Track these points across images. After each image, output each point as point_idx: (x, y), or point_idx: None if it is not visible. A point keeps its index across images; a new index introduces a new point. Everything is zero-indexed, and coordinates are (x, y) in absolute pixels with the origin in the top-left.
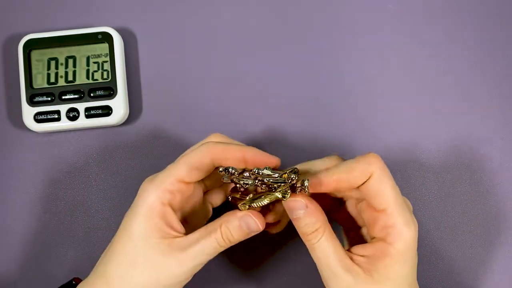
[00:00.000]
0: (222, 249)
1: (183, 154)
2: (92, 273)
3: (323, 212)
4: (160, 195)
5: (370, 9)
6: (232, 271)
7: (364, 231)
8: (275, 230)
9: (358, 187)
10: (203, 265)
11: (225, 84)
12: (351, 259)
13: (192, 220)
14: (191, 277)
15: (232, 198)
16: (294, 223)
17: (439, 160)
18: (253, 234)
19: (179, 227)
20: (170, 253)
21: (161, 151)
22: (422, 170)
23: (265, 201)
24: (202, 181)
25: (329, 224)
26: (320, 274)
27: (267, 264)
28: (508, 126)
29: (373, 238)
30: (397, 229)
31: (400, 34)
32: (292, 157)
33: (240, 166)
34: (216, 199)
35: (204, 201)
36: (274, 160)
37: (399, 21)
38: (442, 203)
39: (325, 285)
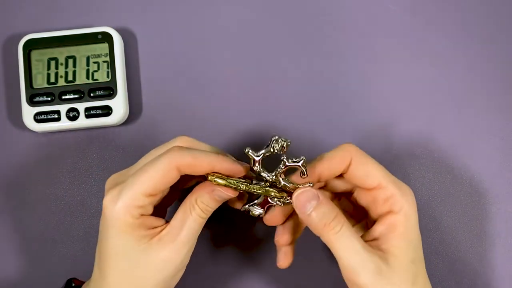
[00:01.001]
0: (206, 220)
1: (147, 161)
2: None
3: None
4: (131, 212)
5: (370, 9)
6: (231, 268)
7: (361, 226)
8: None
9: (343, 175)
10: (194, 244)
11: (225, 84)
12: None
13: (163, 202)
14: (187, 262)
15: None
16: (309, 218)
17: (439, 160)
18: (227, 199)
19: (159, 220)
20: (164, 248)
21: None
22: (422, 170)
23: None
24: None
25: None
26: (344, 266)
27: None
28: (508, 126)
29: (377, 219)
30: (399, 195)
31: (400, 34)
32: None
33: (204, 176)
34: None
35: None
36: (242, 169)
37: (399, 21)
38: (442, 203)
39: (350, 277)
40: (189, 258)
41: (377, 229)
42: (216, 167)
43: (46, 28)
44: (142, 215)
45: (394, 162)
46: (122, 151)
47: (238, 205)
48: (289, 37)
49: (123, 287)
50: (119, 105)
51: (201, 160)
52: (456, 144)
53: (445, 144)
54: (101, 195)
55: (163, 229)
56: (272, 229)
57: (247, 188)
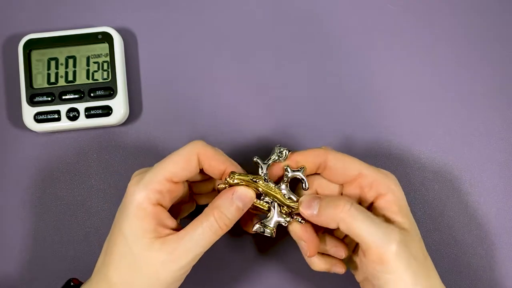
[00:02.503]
0: (218, 237)
1: (170, 154)
2: (94, 275)
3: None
4: (149, 195)
5: (369, 8)
6: (232, 269)
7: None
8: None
9: (321, 175)
10: (200, 256)
11: (225, 84)
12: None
13: (179, 215)
14: (190, 269)
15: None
16: (319, 216)
17: (439, 160)
18: (246, 209)
19: (172, 223)
20: (164, 251)
21: (161, 151)
22: (422, 170)
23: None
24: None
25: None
26: (369, 243)
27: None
28: (508, 126)
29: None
30: (382, 178)
31: (399, 33)
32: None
33: (217, 177)
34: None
35: (189, 196)
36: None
37: (398, 20)
38: (442, 203)
39: (375, 254)
40: (188, 271)
41: (375, 213)
42: (231, 167)
43: (46, 28)
44: (158, 204)
45: (394, 162)
46: (122, 151)
47: (250, 228)
48: (288, 38)
49: (122, 279)
50: (119, 105)
51: (219, 157)
52: (456, 144)
53: (445, 144)
54: (101, 195)
55: (172, 234)
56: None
57: (264, 186)
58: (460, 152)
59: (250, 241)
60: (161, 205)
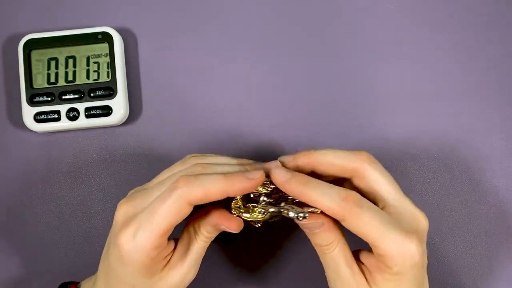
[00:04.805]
0: (211, 241)
1: (159, 188)
2: None
3: (337, 224)
4: (149, 255)
5: (369, 8)
6: (234, 270)
7: None
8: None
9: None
10: (201, 260)
11: (225, 84)
12: (358, 264)
13: None
14: (195, 275)
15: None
16: (309, 236)
17: (439, 160)
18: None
19: (170, 246)
20: (173, 275)
21: (161, 151)
22: (422, 170)
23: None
24: None
25: (342, 234)
26: (326, 274)
27: (269, 263)
28: (508, 126)
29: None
30: (389, 253)
31: (399, 33)
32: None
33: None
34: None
35: None
36: (258, 181)
37: (398, 20)
38: (442, 203)
39: (330, 285)
40: (195, 275)
41: (370, 259)
42: (229, 192)
43: (46, 28)
44: (158, 251)
45: (394, 162)
46: (122, 151)
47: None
48: (289, 38)
49: None
50: (119, 105)
51: (212, 190)
52: (456, 144)
53: (445, 144)
54: (101, 195)
55: (172, 255)
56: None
57: (276, 210)
58: (460, 152)
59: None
60: (160, 249)
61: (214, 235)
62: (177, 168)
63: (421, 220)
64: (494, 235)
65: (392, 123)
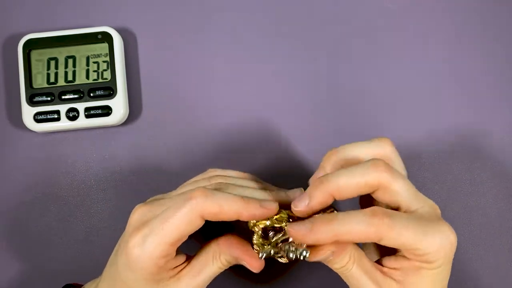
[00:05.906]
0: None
1: (171, 205)
2: None
3: (349, 243)
4: (158, 263)
5: (369, 8)
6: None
7: None
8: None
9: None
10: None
11: (226, 84)
12: (382, 271)
13: None
14: None
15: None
16: (324, 263)
17: (439, 160)
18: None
19: (180, 258)
20: (181, 284)
21: (161, 151)
22: (422, 170)
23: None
24: None
25: (357, 247)
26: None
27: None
28: (509, 127)
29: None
30: (431, 250)
31: (399, 33)
32: (291, 158)
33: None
34: None
35: None
36: (272, 210)
37: (398, 20)
38: (442, 203)
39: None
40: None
41: (400, 261)
42: (243, 215)
43: (46, 28)
44: (166, 260)
45: None
46: (122, 151)
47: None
48: (288, 37)
49: None
50: (119, 105)
51: (227, 209)
52: (456, 144)
53: (445, 144)
54: (101, 195)
55: (183, 268)
56: None
57: (273, 252)
58: (460, 152)
59: None
60: (169, 258)
61: (231, 264)
62: (201, 183)
63: (436, 207)
64: (494, 236)
65: (391, 123)
